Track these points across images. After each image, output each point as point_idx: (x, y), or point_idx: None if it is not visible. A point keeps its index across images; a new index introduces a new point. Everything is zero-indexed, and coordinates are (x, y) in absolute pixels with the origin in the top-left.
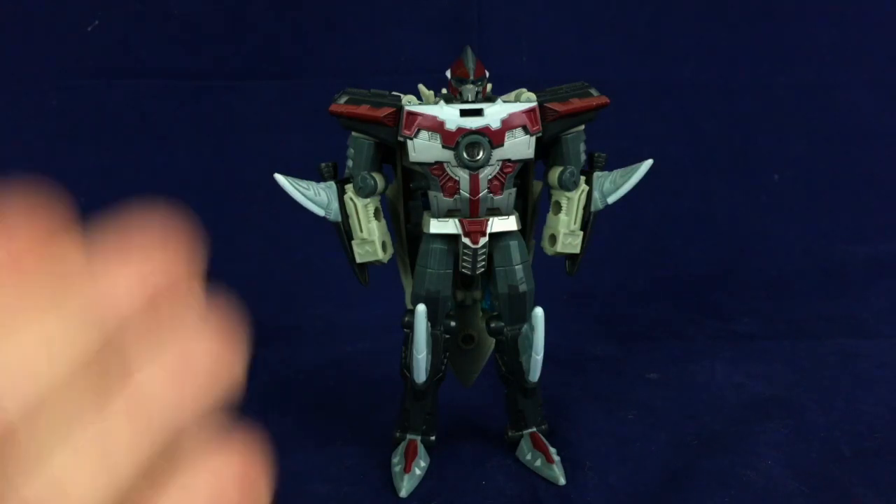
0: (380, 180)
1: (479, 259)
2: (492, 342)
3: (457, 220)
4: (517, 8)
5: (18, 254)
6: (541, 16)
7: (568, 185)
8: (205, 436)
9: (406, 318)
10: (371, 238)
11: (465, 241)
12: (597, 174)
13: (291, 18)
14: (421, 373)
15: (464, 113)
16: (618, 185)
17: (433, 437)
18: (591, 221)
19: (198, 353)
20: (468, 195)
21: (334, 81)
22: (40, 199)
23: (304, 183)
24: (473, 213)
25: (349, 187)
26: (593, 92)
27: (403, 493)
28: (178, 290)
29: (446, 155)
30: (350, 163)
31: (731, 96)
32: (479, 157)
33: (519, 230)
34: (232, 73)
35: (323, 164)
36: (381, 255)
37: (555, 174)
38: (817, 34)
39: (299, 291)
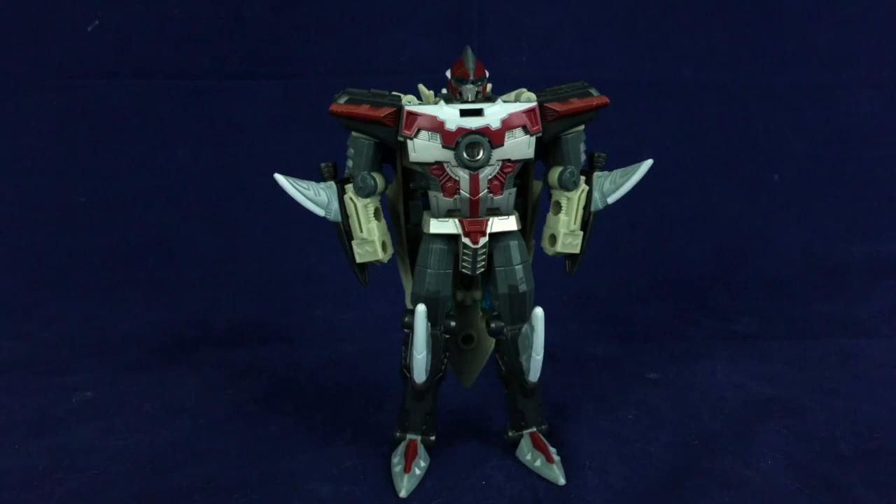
0: (380, 180)
1: (479, 259)
2: (492, 342)
3: (457, 220)
4: (517, 8)
5: None
6: (541, 16)
7: (568, 185)
8: None
9: (406, 318)
10: (371, 238)
11: (465, 241)
12: (597, 174)
13: (291, 18)
14: (421, 373)
15: (464, 113)
16: (618, 185)
17: (433, 437)
18: (591, 221)
19: None
20: (468, 195)
21: (334, 81)
22: None
23: (304, 183)
24: (473, 213)
25: (349, 187)
26: (593, 92)
27: (403, 493)
28: None
29: (446, 155)
30: (350, 163)
31: (731, 96)
32: (479, 157)
33: (519, 230)
34: (232, 73)
35: (323, 164)
36: (381, 255)
37: (555, 174)
38: (817, 34)
39: (300, 291)
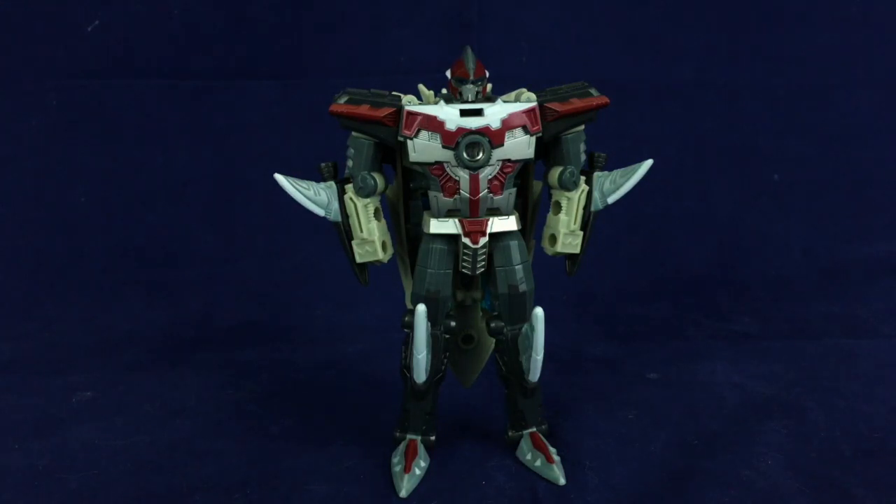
0: (380, 180)
1: (479, 259)
2: (492, 342)
3: (457, 220)
4: (517, 8)
5: None
6: (541, 16)
7: (568, 185)
8: None
9: (406, 318)
10: (371, 238)
11: (465, 241)
12: (597, 174)
13: (291, 18)
14: (421, 373)
15: (464, 113)
16: (618, 185)
17: (433, 437)
18: (591, 221)
19: None
20: (468, 195)
21: (334, 81)
22: None
23: (304, 183)
24: (473, 213)
25: (349, 187)
26: (593, 92)
27: (403, 493)
28: None
29: (446, 155)
30: (350, 163)
31: (731, 96)
32: (479, 157)
33: (519, 230)
34: (232, 73)
35: (323, 164)
36: (381, 255)
37: (555, 174)
38: (817, 35)
39: (299, 291)
